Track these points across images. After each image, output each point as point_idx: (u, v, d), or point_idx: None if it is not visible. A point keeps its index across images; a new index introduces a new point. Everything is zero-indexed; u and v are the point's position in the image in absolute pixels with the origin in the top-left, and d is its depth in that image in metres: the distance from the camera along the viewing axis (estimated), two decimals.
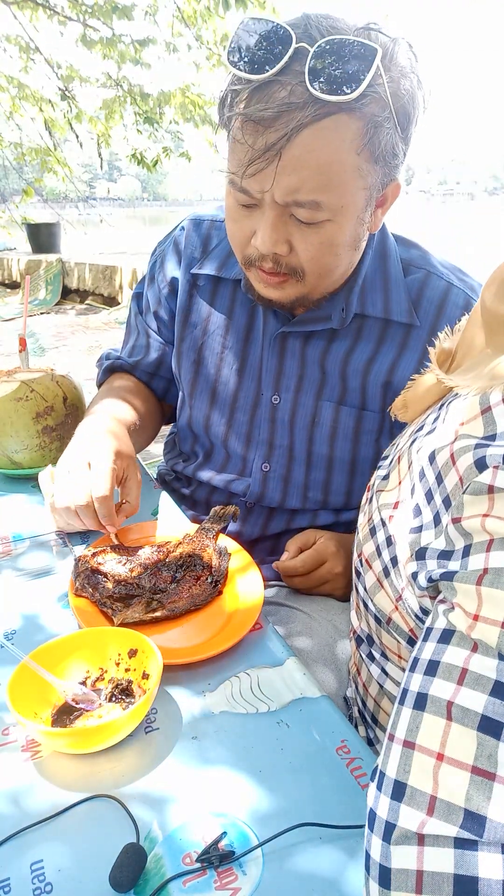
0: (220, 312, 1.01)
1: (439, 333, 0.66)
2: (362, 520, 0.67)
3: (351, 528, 1.04)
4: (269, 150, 0.70)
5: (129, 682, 0.65)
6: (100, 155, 5.33)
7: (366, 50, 0.67)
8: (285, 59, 0.67)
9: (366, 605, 0.63)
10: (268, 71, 0.68)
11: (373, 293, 0.92)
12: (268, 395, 0.99)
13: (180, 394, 1.09)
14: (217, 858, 0.49)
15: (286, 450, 1.00)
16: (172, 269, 1.06)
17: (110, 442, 0.88)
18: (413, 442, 0.58)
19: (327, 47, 0.67)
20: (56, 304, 7.02)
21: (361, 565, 0.63)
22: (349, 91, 0.67)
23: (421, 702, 0.40)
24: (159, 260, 1.09)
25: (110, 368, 1.17)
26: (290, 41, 0.68)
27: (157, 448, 2.66)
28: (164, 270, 1.07)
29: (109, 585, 0.78)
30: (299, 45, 0.67)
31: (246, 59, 0.69)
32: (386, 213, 0.84)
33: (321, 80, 0.67)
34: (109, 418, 0.97)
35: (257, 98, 0.69)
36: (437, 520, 0.48)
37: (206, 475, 1.08)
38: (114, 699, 0.64)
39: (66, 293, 7.25)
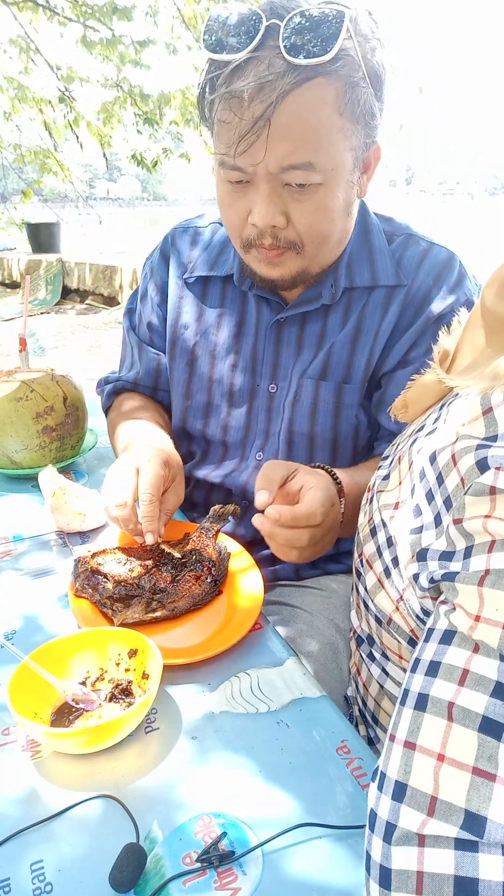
0: (211, 311, 1.02)
1: (439, 334, 0.66)
2: (362, 520, 0.67)
3: None
4: (257, 121, 0.73)
5: (129, 682, 0.65)
6: (104, 156, 5.33)
7: (334, 14, 0.71)
8: (259, 36, 0.72)
9: (366, 606, 0.63)
10: (244, 49, 0.72)
11: (359, 265, 0.94)
12: (264, 385, 0.99)
13: (174, 397, 1.09)
14: (217, 858, 0.49)
15: (283, 435, 1.00)
16: (161, 274, 1.08)
17: (159, 452, 0.88)
18: (413, 442, 0.58)
19: (298, 18, 0.71)
20: (56, 304, 7.02)
21: (362, 566, 0.63)
22: (324, 53, 0.71)
23: (422, 702, 0.40)
24: (148, 272, 1.11)
25: (113, 391, 1.16)
26: (260, 20, 0.72)
27: None
28: (153, 279, 1.09)
29: (109, 586, 0.78)
30: (270, 22, 0.72)
31: (222, 44, 0.74)
32: (371, 178, 0.88)
33: (297, 47, 0.71)
34: (151, 432, 0.97)
35: (237, 76, 0.73)
36: (437, 520, 0.48)
37: (202, 472, 1.08)
38: (114, 699, 0.64)
39: (66, 293, 7.25)
